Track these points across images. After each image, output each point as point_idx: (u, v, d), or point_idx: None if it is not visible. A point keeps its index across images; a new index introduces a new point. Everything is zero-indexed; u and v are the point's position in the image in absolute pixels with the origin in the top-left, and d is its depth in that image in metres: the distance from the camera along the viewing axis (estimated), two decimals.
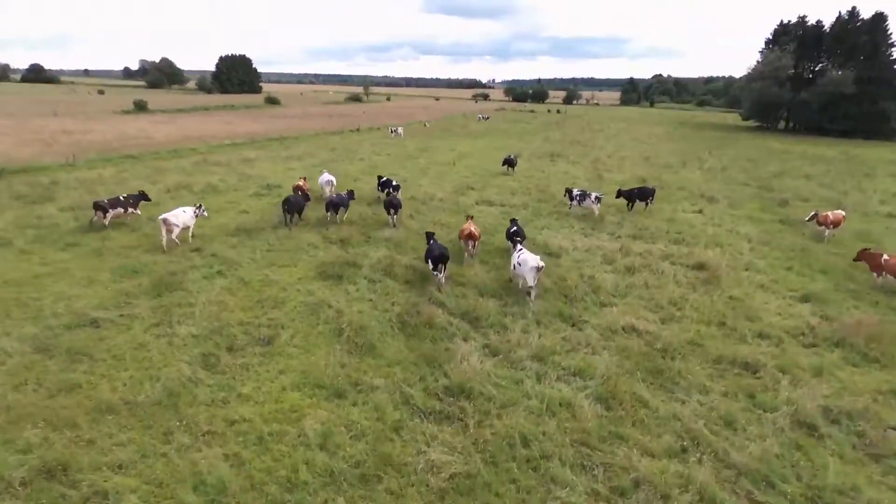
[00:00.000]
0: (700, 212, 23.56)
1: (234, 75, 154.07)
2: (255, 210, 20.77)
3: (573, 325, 11.89)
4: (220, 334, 10.75)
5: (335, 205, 19.43)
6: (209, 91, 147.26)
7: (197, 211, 17.09)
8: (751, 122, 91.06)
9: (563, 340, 11.08)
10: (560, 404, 8.86)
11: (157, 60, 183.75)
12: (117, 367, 9.55)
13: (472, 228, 16.03)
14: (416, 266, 14.90)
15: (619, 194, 23.53)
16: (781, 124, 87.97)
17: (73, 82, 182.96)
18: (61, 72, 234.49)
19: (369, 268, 14.74)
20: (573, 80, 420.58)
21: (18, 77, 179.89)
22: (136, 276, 13.64)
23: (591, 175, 32.55)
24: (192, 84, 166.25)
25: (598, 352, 10.67)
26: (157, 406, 8.46)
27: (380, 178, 23.92)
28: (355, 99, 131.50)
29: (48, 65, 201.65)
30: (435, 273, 13.53)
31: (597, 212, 21.63)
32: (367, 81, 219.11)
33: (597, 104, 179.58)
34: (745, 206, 25.18)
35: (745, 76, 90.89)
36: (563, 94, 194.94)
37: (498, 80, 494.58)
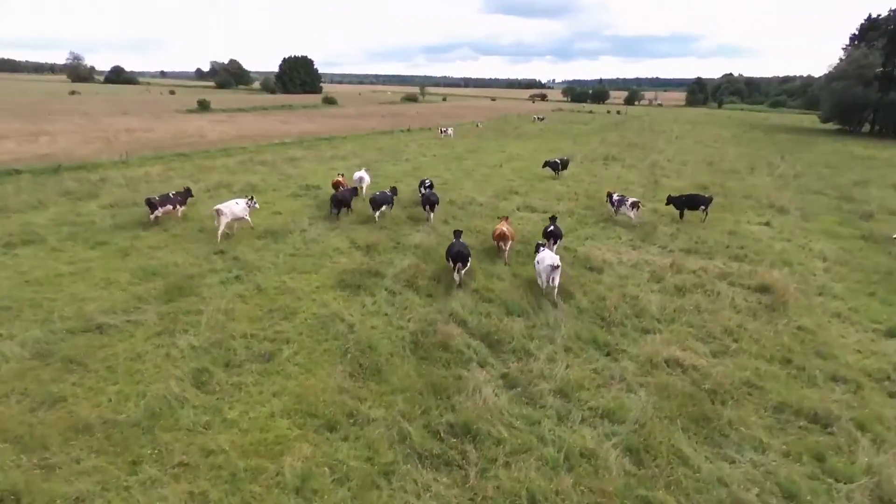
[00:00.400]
0: (767, 224, 21.20)
1: (296, 76, 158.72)
2: (288, 211, 20.36)
3: (608, 355, 10.48)
4: (220, 347, 10.11)
5: (378, 202, 19.38)
6: (272, 91, 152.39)
7: (249, 203, 17.66)
8: (830, 125, 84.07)
9: (594, 373, 9.71)
10: (581, 454, 7.57)
11: (226, 62, 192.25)
12: (108, 379, 9.05)
13: (505, 229, 15.55)
14: (441, 277, 13.87)
15: (669, 201, 21.74)
16: (866, 127, 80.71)
17: (149, 83, 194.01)
18: (140, 73, 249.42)
19: (392, 278, 13.84)
20: (636, 80, 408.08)
21: (102, 78, 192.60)
22: (154, 279, 13.32)
23: (647, 180, 30.40)
24: (256, 84, 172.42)
25: (634, 389, 9.23)
26: (134, 428, 7.83)
27: (423, 182, 23.16)
28: (411, 99, 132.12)
29: (129, 67, 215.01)
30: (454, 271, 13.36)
31: (634, 219, 20.01)
32: (425, 82, 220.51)
33: (660, 105, 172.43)
34: (821, 219, 22.53)
35: (825, 75, 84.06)
36: (624, 94, 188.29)
37: (558, 80, 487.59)
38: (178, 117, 60.34)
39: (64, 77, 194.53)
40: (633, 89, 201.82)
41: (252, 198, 18.07)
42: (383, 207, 19.58)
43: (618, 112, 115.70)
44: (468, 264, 13.52)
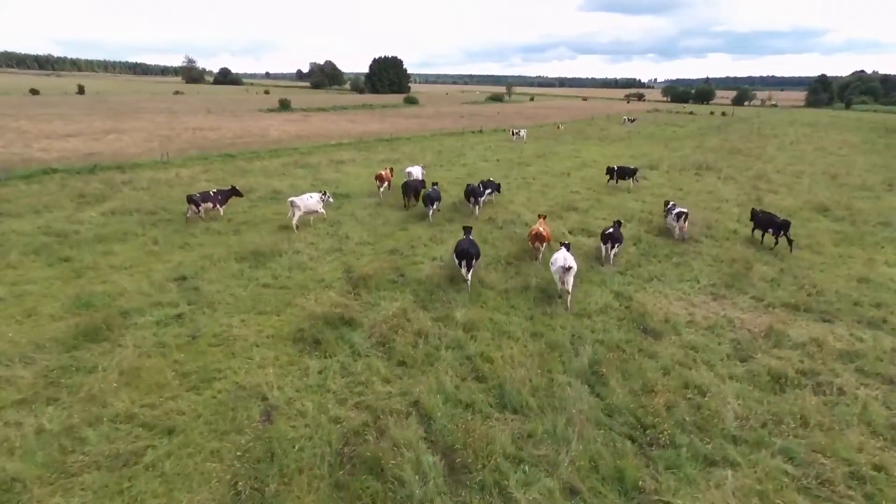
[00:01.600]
0: None
1: (385, 76, 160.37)
2: (290, 227, 17.68)
3: None
4: (71, 436, 7.29)
5: (431, 199, 19.05)
6: (361, 91, 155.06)
7: (323, 197, 18.26)
8: None
9: None
10: None
11: (322, 63, 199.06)
12: None
13: (541, 228, 14.74)
14: (429, 334, 10.32)
15: (753, 217, 17.58)
16: None
17: (251, 84, 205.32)
18: (249, 75, 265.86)
19: (367, 330, 10.51)
20: (748, 78, 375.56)
21: (212, 80, 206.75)
22: (84, 313, 10.91)
23: (748, 197, 24.74)
24: (346, 85, 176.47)
25: None
26: None
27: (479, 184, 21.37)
28: (496, 99, 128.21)
29: (243, 69, 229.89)
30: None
31: (677, 233, 17.35)
32: (519, 82, 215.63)
33: (774, 105, 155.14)
34: None
35: None
36: (732, 93, 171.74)
37: (660, 79, 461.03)
38: (253, 116, 61.05)
39: (179, 79, 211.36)
40: (744, 88, 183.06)
41: (326, 192, 18.72)
42: (435, 205, 19.24)
43: (722, 113, 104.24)
44: (473, 265, 12.71)
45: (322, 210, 17.99)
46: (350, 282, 13.06)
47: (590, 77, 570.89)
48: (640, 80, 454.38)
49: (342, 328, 10.54)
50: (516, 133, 45.50)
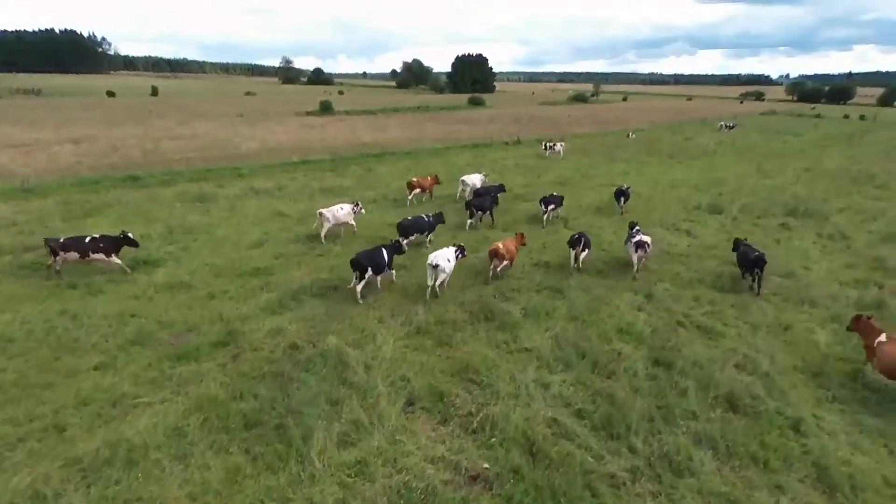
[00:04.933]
0: None
1: (468, 75, 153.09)
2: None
3: None
4: None
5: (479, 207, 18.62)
6: (441, 91, 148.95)
7: (355, 208, 17.50)
8: None
9: None
10: None
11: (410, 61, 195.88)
12: None
13: (500, 245, 13.65)
14: None
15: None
16: None
17: (341, 83, 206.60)
18: (340, 75, 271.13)
19: None
20: None
21: (305, 79, 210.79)
22: None
23: (867, 272, 14.18)
24: (425, 85, 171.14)
25: None
26: None
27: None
28: (579, 99, 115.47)
29: (352, 70, 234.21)
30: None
31: (635, 264, 14.29)
32: (629, 79, 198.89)
33: None
34: None
35: None
36: (879, 91, 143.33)
37: (793, 74, 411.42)
38: (284, 120, 55.94)
39: (276, 79, 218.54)
40: (894, 87, 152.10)
41: (358, 203, 18.00)
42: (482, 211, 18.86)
43: (861, 117, 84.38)
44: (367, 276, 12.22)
45: (353, 221, 17.45)
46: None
47: (709, 73, 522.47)
48: (767, 77, 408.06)
49: None
50: (551, 147, 35.74)
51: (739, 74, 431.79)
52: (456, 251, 13.33)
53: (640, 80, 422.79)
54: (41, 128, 41.88)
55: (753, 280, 13.57)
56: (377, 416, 8.09)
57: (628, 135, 49.96)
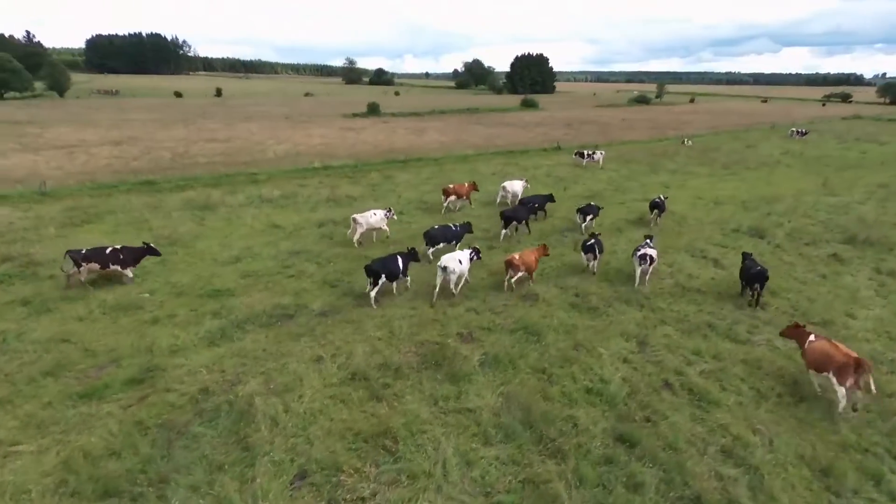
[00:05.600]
0: None
1: (527, 75, 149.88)
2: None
3: None
4: None
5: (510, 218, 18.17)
6: (499, 91, 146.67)
7: (387, 214, 17.70)
8: None
9: None
10: None
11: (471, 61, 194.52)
12: None
13: (516, 256, 13.52)
14: None
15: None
16: None
17: (401, 84, 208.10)
18: (403, 75, 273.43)
19: None
20: None
21: (367, 80, 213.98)
22: None
23: None
24: (484, 86, 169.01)
25: None
26: None
27: None
28: (641, 101, 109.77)
29: (417, 70, 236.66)
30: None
31: (637, 278, 14.05)
32: (703, 79, 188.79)
33: None
34: None
35: None
36: None
37: (890, 73, 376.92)
38: (329, 122, 56.17)
39: (340, 80, 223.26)
40: None
41: (391, 209, 18.18)
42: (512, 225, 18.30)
43: None
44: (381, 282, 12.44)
45: (385, 227, 17.72)
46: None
47: (793, 73, 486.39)
48: (859, 76, 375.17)
49: None
50: (589, 155, 33.35)
51: (827, 74, 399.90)
52: (471, 253, 13.83)
53: (714, 80, 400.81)
54: (94, 128, 43.90)
55: (752, 295, 13.23)
56: (251, 496, 6.87)
57: (683, 141, 46.43)
